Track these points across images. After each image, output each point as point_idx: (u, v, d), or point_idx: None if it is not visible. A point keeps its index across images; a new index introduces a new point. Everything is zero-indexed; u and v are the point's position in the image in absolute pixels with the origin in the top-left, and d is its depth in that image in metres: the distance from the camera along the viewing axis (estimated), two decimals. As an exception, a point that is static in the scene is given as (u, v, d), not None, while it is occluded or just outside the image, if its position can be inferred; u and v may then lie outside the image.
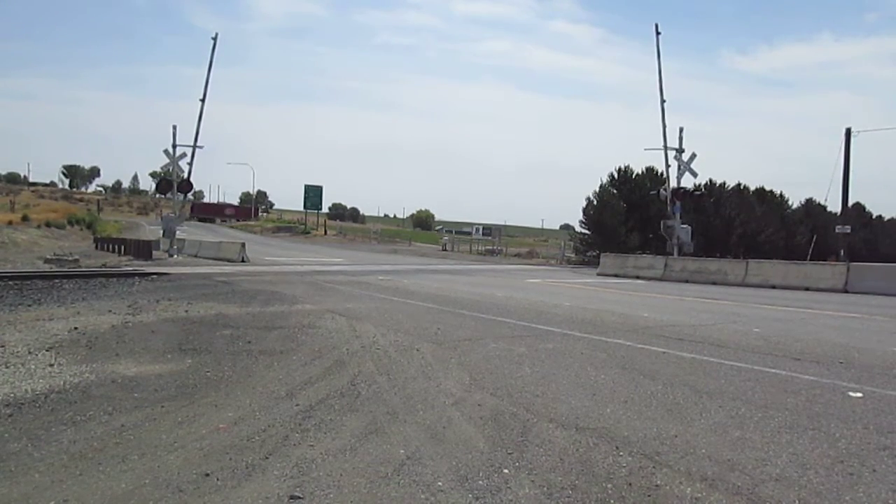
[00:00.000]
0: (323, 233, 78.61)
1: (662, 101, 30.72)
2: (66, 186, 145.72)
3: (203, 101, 31.22)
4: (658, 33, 31.55)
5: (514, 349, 8.41)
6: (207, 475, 3.98)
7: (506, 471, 4.16)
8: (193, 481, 3.89)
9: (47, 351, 7.64)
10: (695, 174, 30.86)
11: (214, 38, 31.94)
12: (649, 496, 3.83)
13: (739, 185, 44.88)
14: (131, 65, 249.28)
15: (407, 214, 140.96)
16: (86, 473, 3.99)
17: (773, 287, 21.80)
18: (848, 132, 35.62)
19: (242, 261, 28.49)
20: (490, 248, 54.90)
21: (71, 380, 6.32)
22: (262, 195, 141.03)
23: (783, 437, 4.92)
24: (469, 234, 64.28)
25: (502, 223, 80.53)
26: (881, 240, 46.34)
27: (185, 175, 31.56)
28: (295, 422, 5.12)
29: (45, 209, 63.96)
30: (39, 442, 4.54)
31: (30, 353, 7.51)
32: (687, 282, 24.34)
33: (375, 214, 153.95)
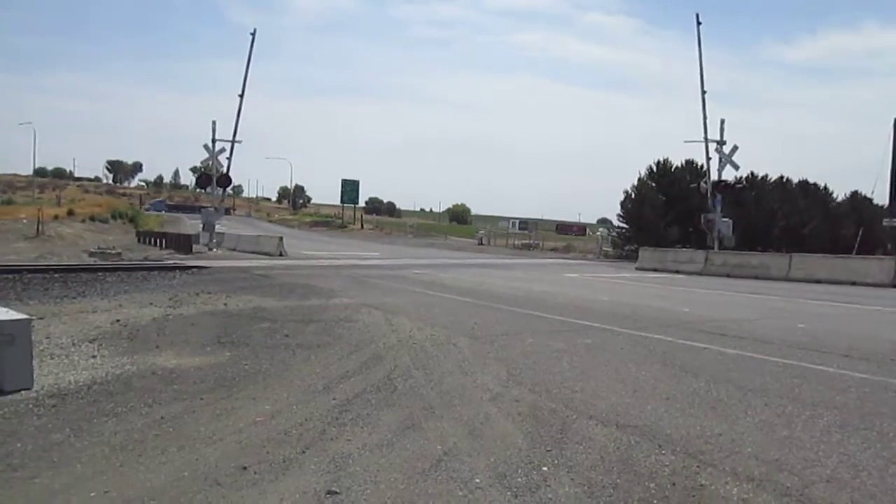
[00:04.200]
0: (360, 227, 79.03)
1: (703, 93, 30.18)
2: (110, 181, 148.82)
3: (242, 96, 31.47)
4: (699, 23, 30.94)
5: (552, 344, 8.30)
6: (245, 468, 3.98)
7: (545, 468, 4.08)
8: (231, 474, 3.89)
9: (90, 343, 7.76)
10: (736, 167, 30.22)
11: (253, 34, 32.15)
12: (694, 496, 3.72)
13: (782, 177, 43.91)
14: (171, 60, 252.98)
15: (443, 208, 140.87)
16: (126, 465, 4.02)
17: (818, 282, 21.27)
18: (896, 123, 34.59)
19: (280, 255, 28.72)
20: (526, 242, 54.64)
21: (113, 371, 6.40)
22: (299, 189, 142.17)
23: (833, 437, 4.76)
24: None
25: (539, 217, 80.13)
26: (930, 233, 44.95)
27: (225, 169, 31.87)
28: (332, 416, 5.11)
29: (90, 204, 65.30)
30: (82, 433, 4.59)
31: (73, 344, 7.64)
32: (728, 276, 23.88)
33: (411, 209, 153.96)
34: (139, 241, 37.80)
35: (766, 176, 42.98)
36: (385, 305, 11.79)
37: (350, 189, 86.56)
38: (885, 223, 35.00)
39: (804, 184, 45.37)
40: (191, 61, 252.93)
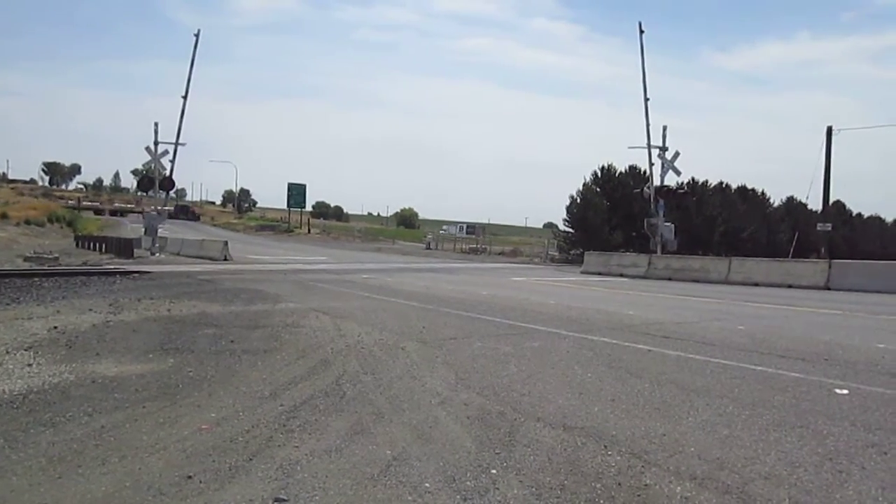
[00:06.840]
0: (306, 231, 78.24)
1: (646, 100, 30.82)
2: (47, 184, 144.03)
3: (185, 97, 30.94)
4: (641, 31, 31.57)
5: (499, 348, 8.36)
6: (190, 477, 3.90)
7: (494, 471, 4.11)
8: (175, 484, 3.80)
9: (26, 350, 7.49)
10: (678, 172, 30.96)
11: (196, 35, 31.65)
12: (639, 496, 3.79)
13: (722, 183, 45.29)
14: (111, 61, 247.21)
15: (391, 213, 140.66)
16: (64, 476, 3.89)
17: (756, 284, 21.93)
18: (829, 130, 35.94)
19: (225, 259, 28.28)
20: (474, 246, 54.94)
21: (50, 380, 6.19)
22: (244, 193, 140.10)
23: (771, 435, 4.91)
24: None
25: (486, 221, 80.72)
26: (861, 237, 46.95)
27: (168, 172, 31.24)
28: (279, 422, 5.04)
29: (25, 207, 63.13)
30: (17, 444, 4.43)
31: (7, 352, 7.37)
32: (670, 279, 24.42)
33: (359, 213, 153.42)
34: (78, 245, 36.80)
35: (707, 181, 44.28)
36: (333, 310, 11.70)
37: (297, 193, 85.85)
38: (818, 227, 36.36)
39: (743, 189, 46.90)
40: (133, 63, 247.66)
